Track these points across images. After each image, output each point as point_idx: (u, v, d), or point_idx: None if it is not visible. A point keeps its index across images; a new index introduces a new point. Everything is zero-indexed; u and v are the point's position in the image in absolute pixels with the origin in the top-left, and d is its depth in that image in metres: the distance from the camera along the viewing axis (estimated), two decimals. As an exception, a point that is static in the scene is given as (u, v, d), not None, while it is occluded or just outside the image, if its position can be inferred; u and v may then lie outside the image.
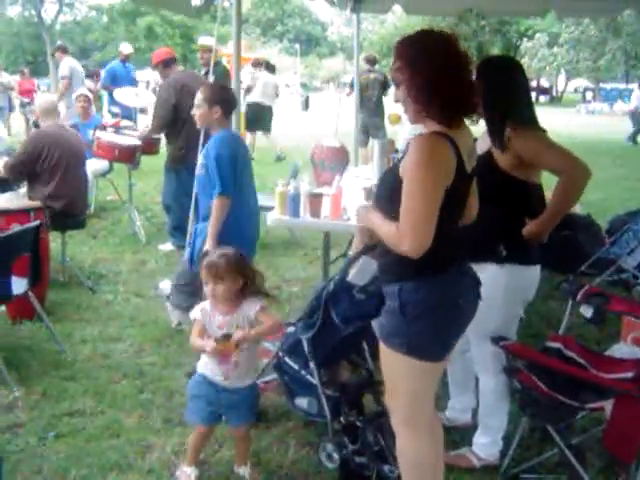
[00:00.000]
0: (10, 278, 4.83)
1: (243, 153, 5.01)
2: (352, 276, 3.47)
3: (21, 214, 5.80)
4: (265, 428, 4.24)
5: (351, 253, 5.75)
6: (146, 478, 3.73)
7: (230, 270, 3.53)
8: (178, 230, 7.65)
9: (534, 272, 3.80)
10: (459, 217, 2.98)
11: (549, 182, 3.73)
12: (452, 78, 2.79)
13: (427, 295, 2.88)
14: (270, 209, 5.54)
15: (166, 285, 5.65)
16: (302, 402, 4.05)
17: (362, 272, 3.54)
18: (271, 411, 4.43)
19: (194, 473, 3.70)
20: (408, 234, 2.72)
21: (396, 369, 3.00)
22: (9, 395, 4.56)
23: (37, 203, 6.06)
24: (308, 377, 3.94)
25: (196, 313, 3.64)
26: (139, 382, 4.81)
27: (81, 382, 4.78)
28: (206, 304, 3.63)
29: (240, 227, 4.85)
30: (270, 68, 16.21)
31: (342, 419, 3.89)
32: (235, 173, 4.77)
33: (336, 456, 3.81)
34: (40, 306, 5.39)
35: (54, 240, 6.78)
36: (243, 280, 3.57)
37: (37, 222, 5.21)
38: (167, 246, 7.95)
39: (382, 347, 3.01)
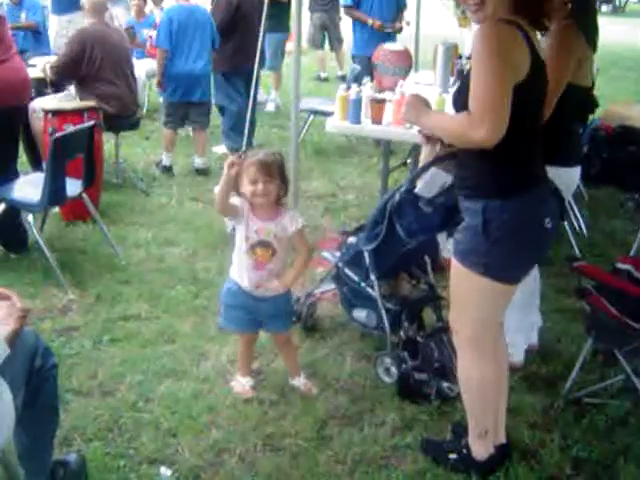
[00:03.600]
0: (64, 180, 4.75)
1: (185, 21, 6.86)
2: (420, 188, 3.31)
3: (74, 114, 5.68)
4: (320, 339, 4.16)
5: (409, 162, 5.56)
6: (201, 386, 3.68)
7: (281, 171, 3.37)
8: (233, 131, 7.47)
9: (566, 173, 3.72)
10: (540, 119, 2.76)
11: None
12: None
13: (513, 215, 2.69)
14: (329, 114, 5.37)
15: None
16: (360, 314, 3.97)
17: (430, 184, 3.39)
18: (327, 322, 4.34)
19: (249, 383, 3.65)
20: (480, 119, 2.47)
21: (468, 289, 2.85)
22: (64, 297, 4.53)
23: (90, 103, 5.92)
24: (368, 289, 3.84)
25: (236, 200, 3.37)
26: (193, 287, 4.75)
27: (135, 286, 4.73)
28: (247, 204, 3.38)
29: (175, 72, 6.93)
30: None
31: (402, 333, 3.79)
32: (171, 34, 6.82)
33: (394, 370, 3.72)
34: (94, 208, 5.33)
35: (107, 141, 6.69)
36: (284, 186, 3.41)
37: (91, 122, 5.08)
38: (221, 148, 7.77)
39: (455, 265, 2.85)
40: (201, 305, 4.52)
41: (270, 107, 10.02)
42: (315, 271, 4.71)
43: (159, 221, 5.88)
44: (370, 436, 3.36)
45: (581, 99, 3.71)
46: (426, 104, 2.92)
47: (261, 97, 9.79)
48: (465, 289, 2.86)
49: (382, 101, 4.86)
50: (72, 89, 6.47)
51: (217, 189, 3.30)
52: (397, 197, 3.49)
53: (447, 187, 3.42)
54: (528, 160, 2.65)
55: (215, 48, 7.12)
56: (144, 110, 8.93)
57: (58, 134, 4.68)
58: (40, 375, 2.58)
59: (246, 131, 5.83)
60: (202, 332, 4.20)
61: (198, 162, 7.25)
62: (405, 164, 6.75)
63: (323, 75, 12.37)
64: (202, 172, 7.18)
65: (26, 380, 2.51)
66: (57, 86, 6.53)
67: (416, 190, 3.38)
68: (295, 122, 4.85)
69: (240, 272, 3.47)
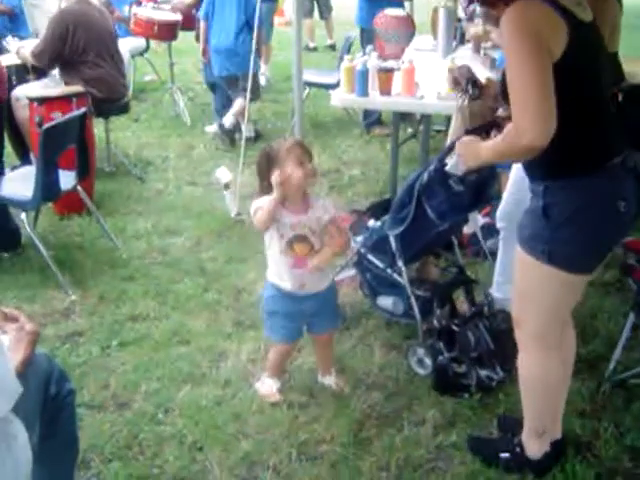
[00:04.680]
0: (57, 172, 4.44)
1: None
2: (451, 165, 3.03)
3: (62, 101, 5.34)
4: (344, 329, 3.88)
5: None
6: (223, 391, 3.41)
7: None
8: (225, 109, 7.17)
9: None
10: (602, 87, 2.47)
11: None
12: None
13: (577, 196, 2.42)
14: (326, 86, 5.07)
15: (223, 174, 5.24)
16: (386, 302, 3.73)
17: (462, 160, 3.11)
18: (348, 310, 4.06)
19: (276, 385, 3.38)
20: (524, 123, 2.22)
21: (533, 278, 2.58)
22: (65, 299, 4.24)
23: (78, 88, 5.58)
24: (395, 276, 3.58)
25: (262, 202, 3.03)
26: (202, 280, 4.46)
27: (140, 282, 4.44)
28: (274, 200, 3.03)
29: (212, 47, 7.12)
30: None
31: (435, 322, 3.52)
32: (207, 8, 7.04)
33: (428, 362, 3.47)
34: (89, 200, 5.03)
35: (95, 127, 6.36)
36: None
37: (83, 110, 4.74)
38: (213, 127, 7.44)
39: (519, 252, 2.58)
40: (212, 299, 4.24)
41: (261, 81, 9.67)
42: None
43: (158, 209, 5.57)
44: (412, 437, 3.11)
45: (614, 67, 3.43)
46: (475, 141, 2.68)
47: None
48: (530, 279, 2.59)
49: (390, 70, 4.56)
50: (56, 73, 6.10)
51: (258, 204, 3.02)
52: (425, 177, 3.22)
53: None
54: (594, 134, 2.38)
55: (252, 25, 6.60)
56: (130, 91, 8.57)
57: (48, 124, 4.34)
58: (55, 404, 2.30)
59: (247, 106, 5.52)
60: (217, 330, 3.93)
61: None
62: (415, 136, 6.46)
63: (312, 45, 11.98)
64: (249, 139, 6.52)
65: (41, 410, 2.23)
66: (39, 72, 6.17)
67: (447, 168, 3.10)
68: (298, 95, 4.55)
69: (280, 274, 3.15)
